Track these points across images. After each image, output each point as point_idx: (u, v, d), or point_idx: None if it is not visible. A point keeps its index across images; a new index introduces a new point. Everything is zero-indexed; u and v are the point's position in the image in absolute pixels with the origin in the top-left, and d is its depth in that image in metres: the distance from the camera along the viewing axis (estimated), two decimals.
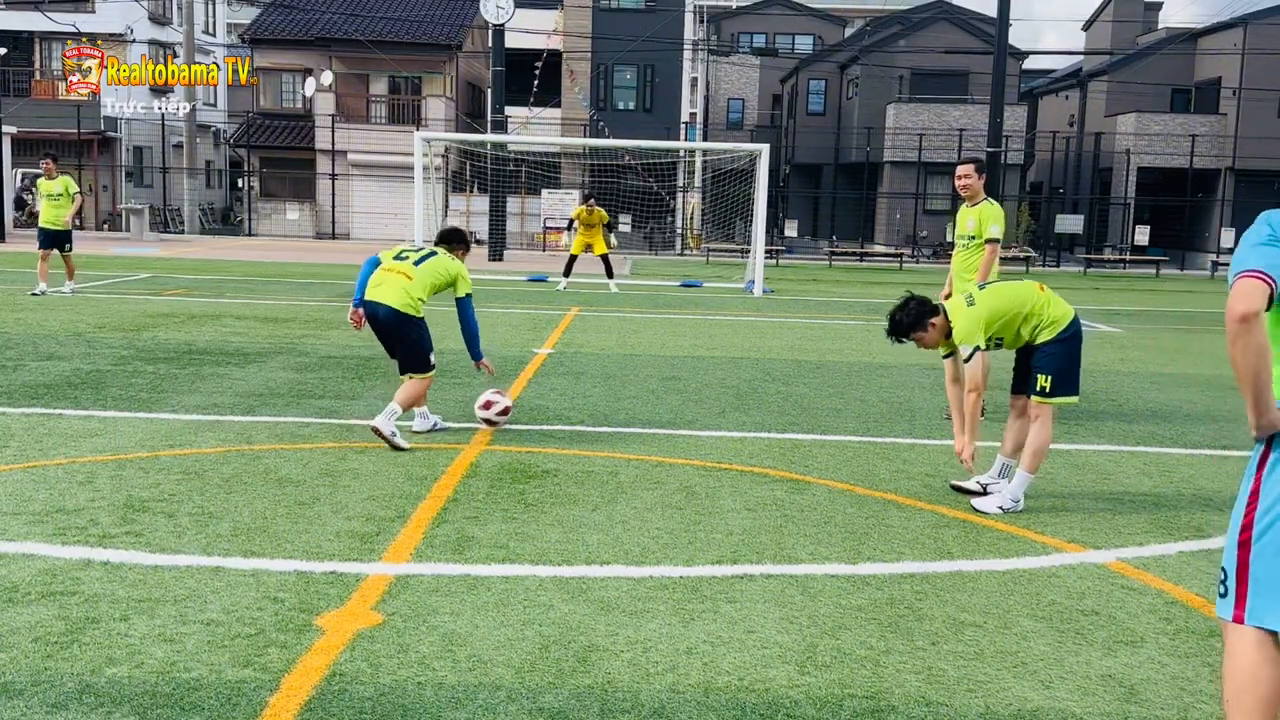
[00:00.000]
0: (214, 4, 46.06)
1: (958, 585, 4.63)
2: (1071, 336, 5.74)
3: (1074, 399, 5.84)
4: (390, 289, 6.89)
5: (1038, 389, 5.73)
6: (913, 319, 5.73)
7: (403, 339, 6.96)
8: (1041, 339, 5.75)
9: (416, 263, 7.01)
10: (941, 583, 4.65)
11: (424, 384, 7.06)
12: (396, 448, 6.65)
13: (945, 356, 6.12)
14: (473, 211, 36.59)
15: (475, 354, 7.35)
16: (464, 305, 7.25)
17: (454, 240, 7.44)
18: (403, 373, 7.07)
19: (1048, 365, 5.71)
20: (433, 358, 7.06)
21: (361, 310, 7.05)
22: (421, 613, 4.10)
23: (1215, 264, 33.48)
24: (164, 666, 3.57)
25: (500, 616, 4.09)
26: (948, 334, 5.78)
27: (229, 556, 4.66)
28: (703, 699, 3.47)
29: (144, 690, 3.39)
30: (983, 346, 5.67)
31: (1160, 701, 3.60)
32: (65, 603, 4.07)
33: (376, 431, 6.62)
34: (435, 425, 7.30)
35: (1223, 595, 2.81)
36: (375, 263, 7.14)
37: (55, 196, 15.52)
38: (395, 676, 3.55)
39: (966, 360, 5.73)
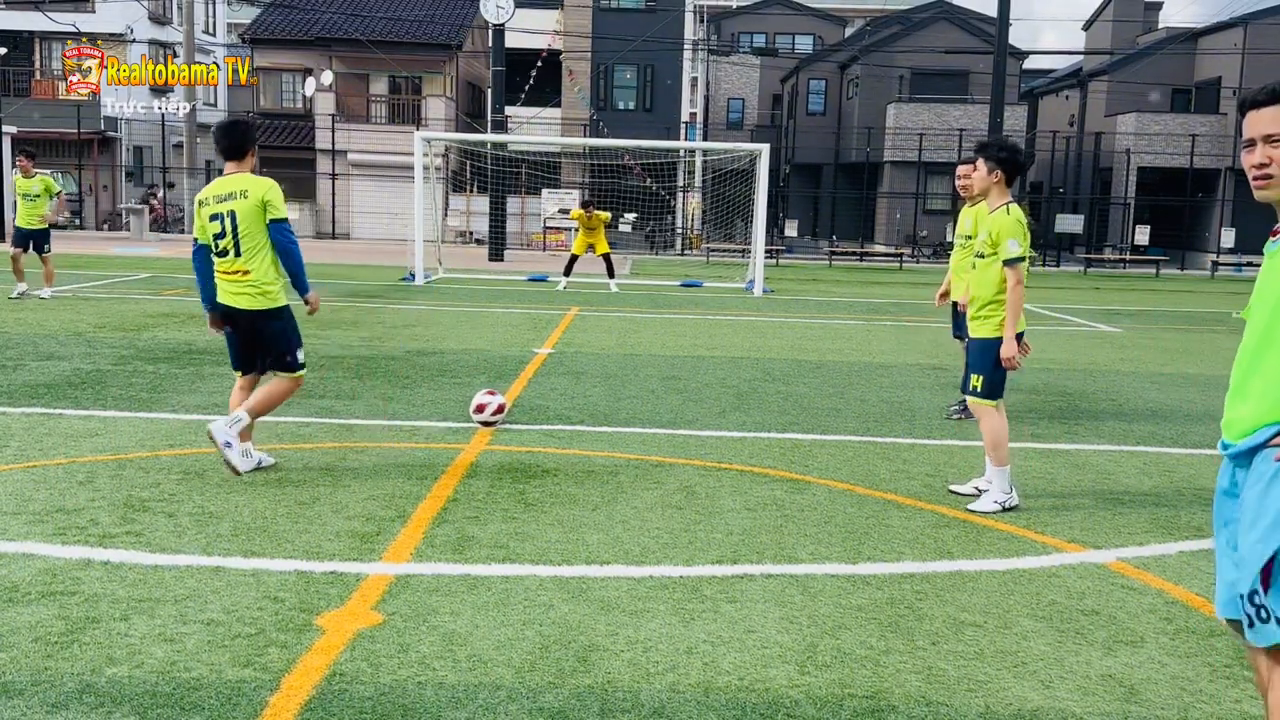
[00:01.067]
0: (214, 4, 46.05)
1: (958, 585, 4.63)
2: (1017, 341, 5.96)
3: (995, 403, 5.97)
4: (238, 292, 5.98)
5: (970, 388, 5.97)
6: (1003, 154, 5.95)
7: (265, 336, 6.08)
8: (983, 333, 5.94)
9: (239, 249, 5.91)
10: (941, 583, 4.65)
11: (289, 386, 6.12)
12: (231, 467, 5.72)
13: (967, 237, 6.72)
14: (473, 211, 36.60)
15: (300, 287, 6.15)
16: (276, 231, 5.97)
17: (240, 144, 6.02)
18: (262, 371, 6.19)
19: (979, 366, 5.93)
20: (301, 355, 6.16)
21: (218, 314, 6.11)
22: (421, 613, 4.10)
23: (1215, 264, 33.49)
24: (164, 666, 3.57)
25: (500, 616, 4.09)
26: (995, 210, 5.99)
27: (229, 556, 4.66)
28: (703, 699, 3.47)
29: (144, 690, 3.39)
30: (1022, 253, 5.80)
31: (1160, 701, 3.60)
32: (65, 603, 4.07)
33: (211, 438, 5.66)
34: (260, 463, 6.13)
35: None
36: (204, 252, 6.06)
37: (33, 196, 14.58)
38: (395, 676, 3.55)
39: (1006, 262, 5.81)
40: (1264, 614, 2.49)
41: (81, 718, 3.21)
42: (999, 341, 5.90)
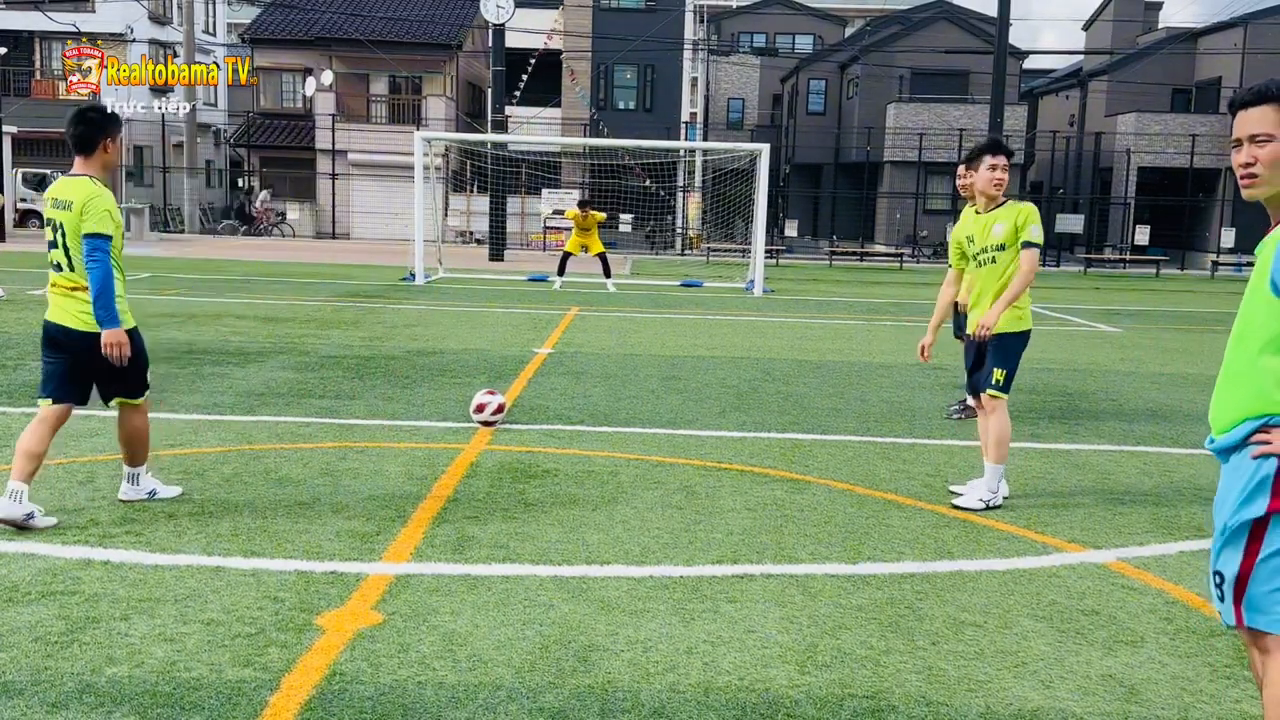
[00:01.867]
0: (214, 4, 46.06)
1: (958, 585, 4.63)
2: (1027, 337, 6.01)
3: (1006, 396, 6.01)
4: (65, 308, 5.05)
5: (993, 382, 5.93)
6: (1012, 154, 6.07)
7: (102, 359, 5.04)
8: (1002, 327, 5.91)
9: (73, 265, 5.03)
10: (941, 583, 4.65)
11: (144, 416, 5.33)
12: (153, 494, 5.43)
13: (968, 238, 6.56)
14: (473, 211, 36.60)
15: (99, 315, 4.98)
16: (87, 246, 4.94)
17: (88, 136, 5.04)
18: (107, 400, 5.26)
19: (1004, 361, 5.92)
20: (149, 375, 5.34)
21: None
22: (421, 612, 4.10)
23: (1215, 264, 33.50)
24: (164, 666, 3.57)
25: (500, 616, 4.09)
26: (1003, 209, 5.95)
27: (229, 556, 4.66)
28: (703, 699, 3.47)
29: (144, 690, 3.39)
30: (1040, 241, 5.82)
31: (1160, 701, 3.60)
32: (65, 602, 4.07)
33: (130, 501, 5.33)
34: (31, 515, 4.97)
35: None
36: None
37: None
38: (395, 676, 3.55)
39: (1025, 244, 5.80)
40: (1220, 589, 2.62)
41: (81, 718, 3.21)
42: (1017, 335, 5.89)
